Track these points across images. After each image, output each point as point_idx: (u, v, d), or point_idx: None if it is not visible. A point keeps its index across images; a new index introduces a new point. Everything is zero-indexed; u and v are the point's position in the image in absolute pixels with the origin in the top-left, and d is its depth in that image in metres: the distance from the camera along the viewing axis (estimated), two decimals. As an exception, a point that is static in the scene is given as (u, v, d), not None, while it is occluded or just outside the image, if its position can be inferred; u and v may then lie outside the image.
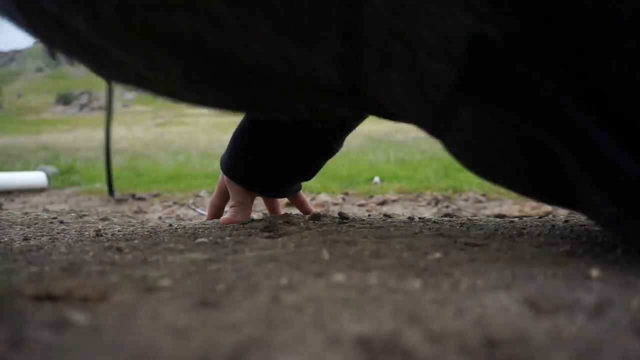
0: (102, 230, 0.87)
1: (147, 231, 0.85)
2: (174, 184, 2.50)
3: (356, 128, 0.98)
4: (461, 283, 0.43)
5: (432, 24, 0.46)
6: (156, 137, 8.24)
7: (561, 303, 0.36)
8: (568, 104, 0.45)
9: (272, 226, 0.82)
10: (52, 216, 1.12)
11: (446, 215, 1.36)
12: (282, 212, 1.06)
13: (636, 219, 0.46)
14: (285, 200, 1.13)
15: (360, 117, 0.92)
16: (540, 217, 0.94)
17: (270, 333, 0.31)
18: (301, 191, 1.11)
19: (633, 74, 0.44)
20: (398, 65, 0.49)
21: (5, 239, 0.77)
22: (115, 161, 4.17)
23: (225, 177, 1.00)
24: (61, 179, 2.99)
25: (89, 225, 0.99)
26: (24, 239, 0.76)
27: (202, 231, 0.81)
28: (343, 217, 0.92)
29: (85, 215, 1.16)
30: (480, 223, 0.84)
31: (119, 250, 0.63)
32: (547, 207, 1.57)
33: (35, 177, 2.56)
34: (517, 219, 0.92)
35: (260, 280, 0.44)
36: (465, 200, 1.84)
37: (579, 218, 0.86)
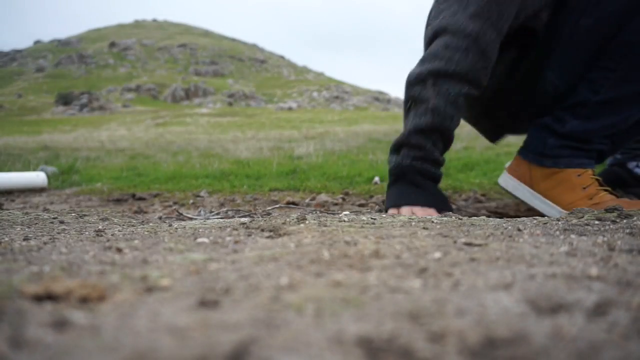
0: (102, 231, 0.87)
1: (147, 231, 0.85)
2: (174, 184, 2.49)
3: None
4: (461, 283, 0.43)
5: None
6: (156, 137, 8.24)
7: (561, 303, 0.36)
8: None
9: (272, 226, 0.82)
10: (52, 216, 1.12)
11: (447, 215, 1.36)
12: (281, 210, 1.06)
13: None
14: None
15: None
16: (541, 216, 0.94)
17: (270, 333, 0.31)
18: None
19: None
20: None
21: (6, 239, 0.77)
22: (116, 161, 4.17)
23: None
24: (61, 179, 2.98)
25: (89, 225, 0.99)
26: (24, 239, 0.76)
27: (202, 231, 0.81)
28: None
29: (85, 215, 1.16)
30: (480, 223, 0.84)
31: (119, 250, 0.63)
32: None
33: (36, 177, 2.55)
34: (516, 218, 0.92)
35: (260, 280, 0.44)
36: (465, 200, 1.83)
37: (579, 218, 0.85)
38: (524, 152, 1.36)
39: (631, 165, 1.82)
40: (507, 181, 1.41)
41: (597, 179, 1.26)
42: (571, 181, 1.24)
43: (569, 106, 1.27)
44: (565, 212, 1.20)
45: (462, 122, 1.36)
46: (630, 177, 1.82)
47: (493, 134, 1.65)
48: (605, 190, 1.23)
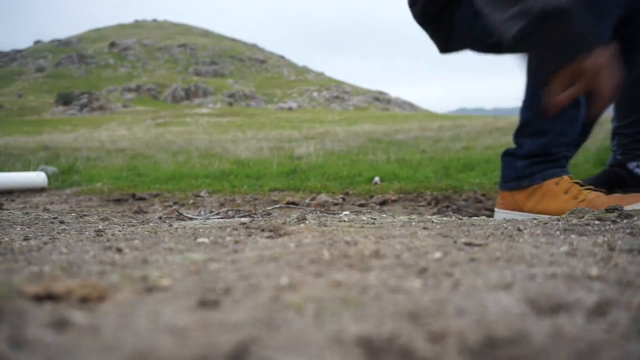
0: (102, 231, 0.87)
1: (147, 231, 0.85)
2: (174, 184, 2.49)
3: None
4: (461, 283, 0.43)
5: None
6: (156, 137, 8.23)
7: (561, 303, 0.36)
8: None
9: (272, 226, 0.82)
10: (52, 216, 1.12)
11: (446, 215, 1.36)
12: (281, 210, 1.06)
13: None
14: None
15: None
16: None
17: (270, 333, 0.31)
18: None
19: None
20: None
21: (6, 239, 0.77)
22: (116, 161, 4.17)
23: None
24: (61, 179, 2.98)
25: (89, 225, 0.99)
26: (24, 239, 0.76)
27: (202, 231, 0.81)
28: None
29: (85, 215, 1.16)
30: (480, 223, 0.84)
31: (119, 250, 0.63)
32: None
33: (36, 177, 2.55)
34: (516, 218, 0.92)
35: (260, 280, 0.44)
36: (465, 200, 1.83)
37: (579, 218, 0.85)
38: (503, 184, 1.41)
39: (631, 165, 1.82)
40: (499, 216, 1.44)
41: (576, 182, 1.29)
42: (552, 190, 1.30)
43: (519, 130, 1.36)
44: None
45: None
46: (630, 178, 1.82)
47: (441, 44, 1.64)
48: (588, 189, 1.27)
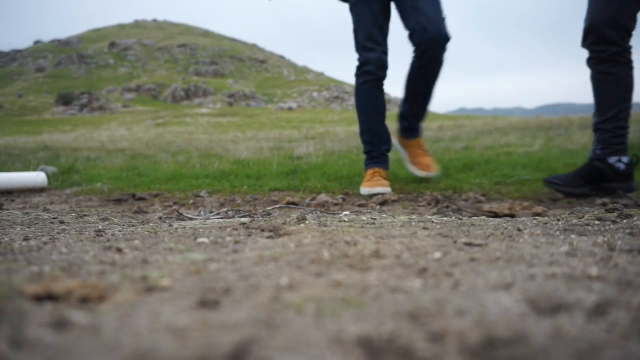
0: (102, 231, 0.87)
1: (147, 231, 0.85)
2: (174, 184, 2.49)
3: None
4: (461, 283, 0.43)
5: None
6: (156, 137, 8.21)
7: (561, 303, 0.36)
8: None
9: (272, 226, 0.82)
10: (52, 216, 1.11)
11: (446, 215, 1.36)
12: (281, 210, 1.06)
13: None
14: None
15: None
16: (539, 217, 0.94)
17: (270, 333, 0.31)
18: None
19: None
20: None
21: (6, 239, 0.77)
22: (116, 161, 4.16)
23: None
24: (61, 179, 2.97)
25: (89, 225, 0.99)
26: (24, 239, 0.76)
27: (202, 231, 0.81)
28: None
29: (85, 215, 1.16)
30: (480, 223, 0.84)
31: (119, 250, 0.63)
32: (537, 208, 1.57)
33: (36, 177, 2.55)
34: (516, 218, 0.92)
35: (260, 280, 0.44)
36: (465, 200, 1.83)
37: (579, 218, 0.86)
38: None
39: (612, 160, 1.82)
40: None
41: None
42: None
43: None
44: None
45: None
46: (611, 172, 1.82)
47: None
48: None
